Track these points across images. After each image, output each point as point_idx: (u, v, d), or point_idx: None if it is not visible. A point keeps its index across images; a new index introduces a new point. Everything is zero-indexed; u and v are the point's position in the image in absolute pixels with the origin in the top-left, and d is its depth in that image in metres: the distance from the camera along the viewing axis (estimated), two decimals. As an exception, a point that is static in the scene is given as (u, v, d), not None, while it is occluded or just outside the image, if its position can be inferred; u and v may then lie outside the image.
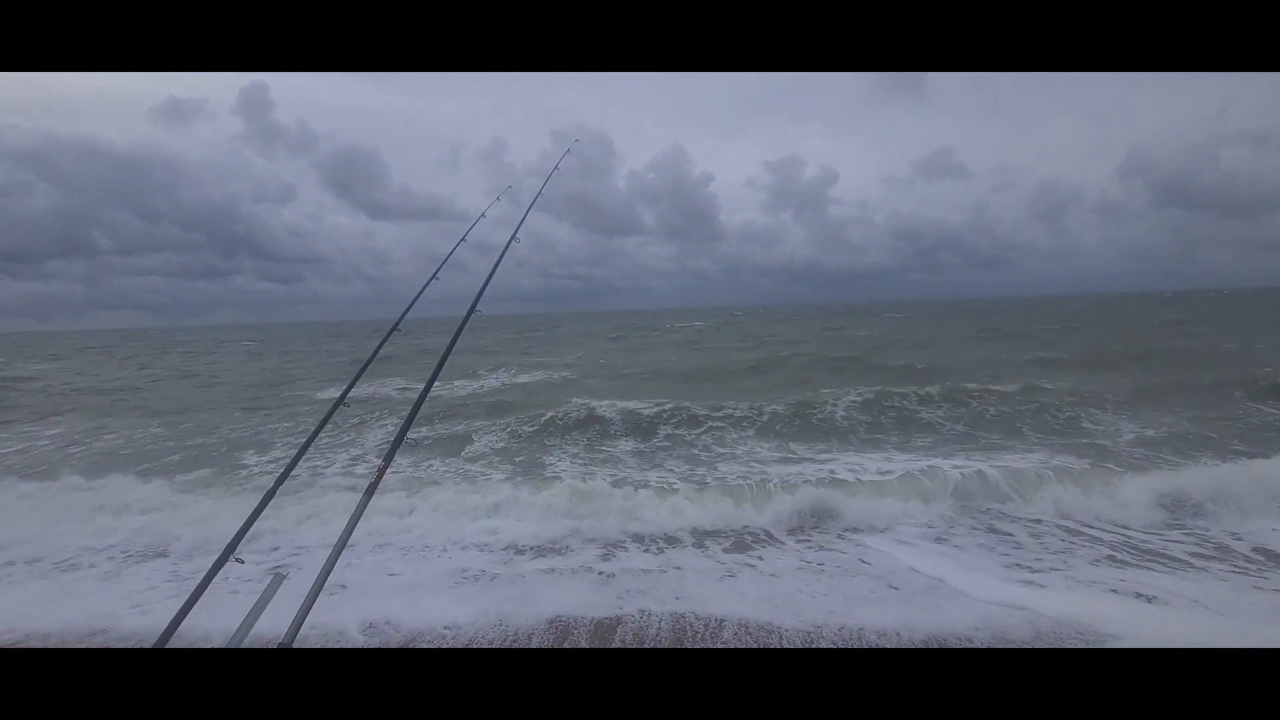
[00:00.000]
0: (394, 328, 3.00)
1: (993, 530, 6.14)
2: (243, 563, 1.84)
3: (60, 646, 4.39)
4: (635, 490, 7.30)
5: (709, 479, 7.99)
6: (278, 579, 1.70)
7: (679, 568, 5.47)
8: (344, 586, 5.15)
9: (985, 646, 3.86)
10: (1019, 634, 4.00)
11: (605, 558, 5.75)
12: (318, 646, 4.26)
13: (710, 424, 11.18)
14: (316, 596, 1.63)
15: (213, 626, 4.34)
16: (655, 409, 11.91)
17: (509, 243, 3.20)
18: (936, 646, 3.90)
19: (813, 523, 6.39)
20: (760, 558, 5.63)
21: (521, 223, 3.38)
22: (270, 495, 2.13)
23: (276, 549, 6.20)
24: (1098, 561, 5.28)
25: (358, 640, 4.41)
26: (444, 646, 4.29)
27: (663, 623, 4.47)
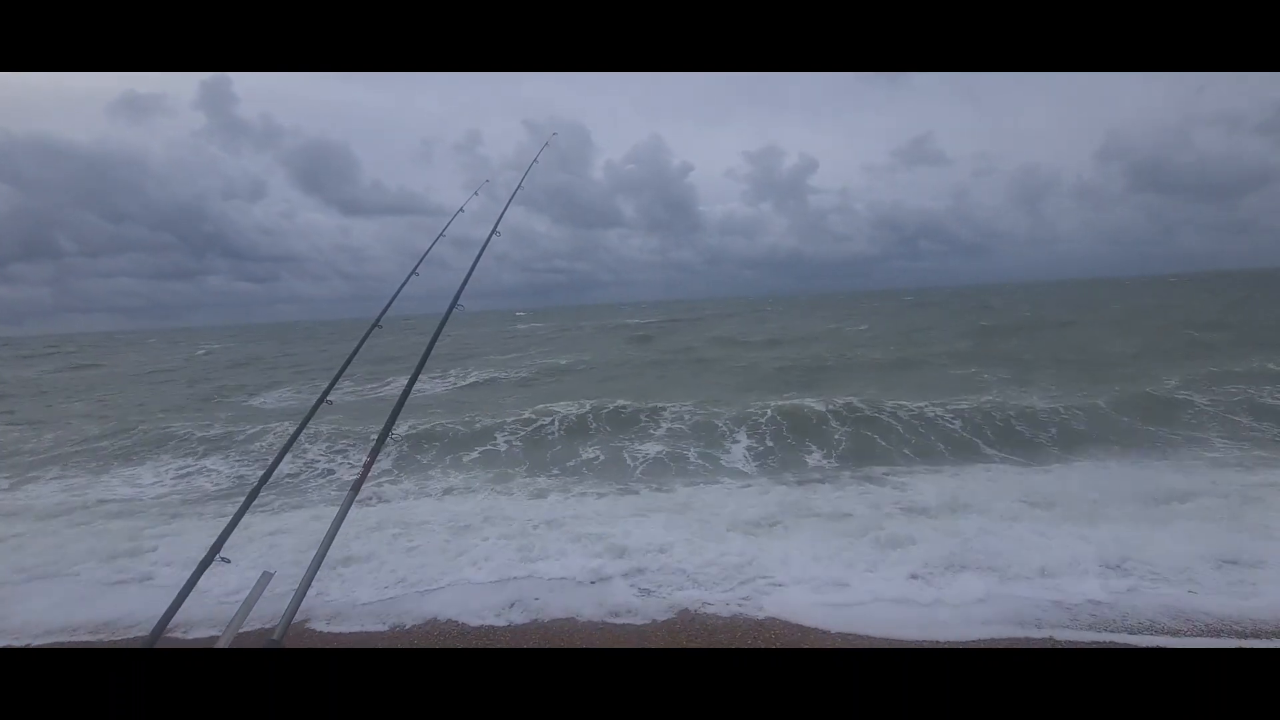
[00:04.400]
0: (374, 324, 2.99)
1: None
2: (229, 562, 1.84)
3: (50, 645, 4.36)
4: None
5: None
6: (265, 577, 1.72)
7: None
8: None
9: (951, 647, 3.91)
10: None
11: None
12: (308, 646, 4.26)
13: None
14: (305, 594, 1.66)
15: (203, 624, 4.38)
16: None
17: (489, 237, 3.20)
18: (909, 647, 3.96)
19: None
20: None
21: (501, 217, 3.38)
22: (254, 494, 2.13)
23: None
24: None
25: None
26: (436, 647, 4.31)
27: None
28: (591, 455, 9.19)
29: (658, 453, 9.09)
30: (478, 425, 10.60)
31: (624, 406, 11.15)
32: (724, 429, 9.82)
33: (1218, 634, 3.69)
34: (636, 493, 7.44)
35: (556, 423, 10.58)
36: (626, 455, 9.05)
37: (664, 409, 10.89)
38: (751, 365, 16.93)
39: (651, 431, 10.07)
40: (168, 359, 34.89)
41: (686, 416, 10.49)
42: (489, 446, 9.77)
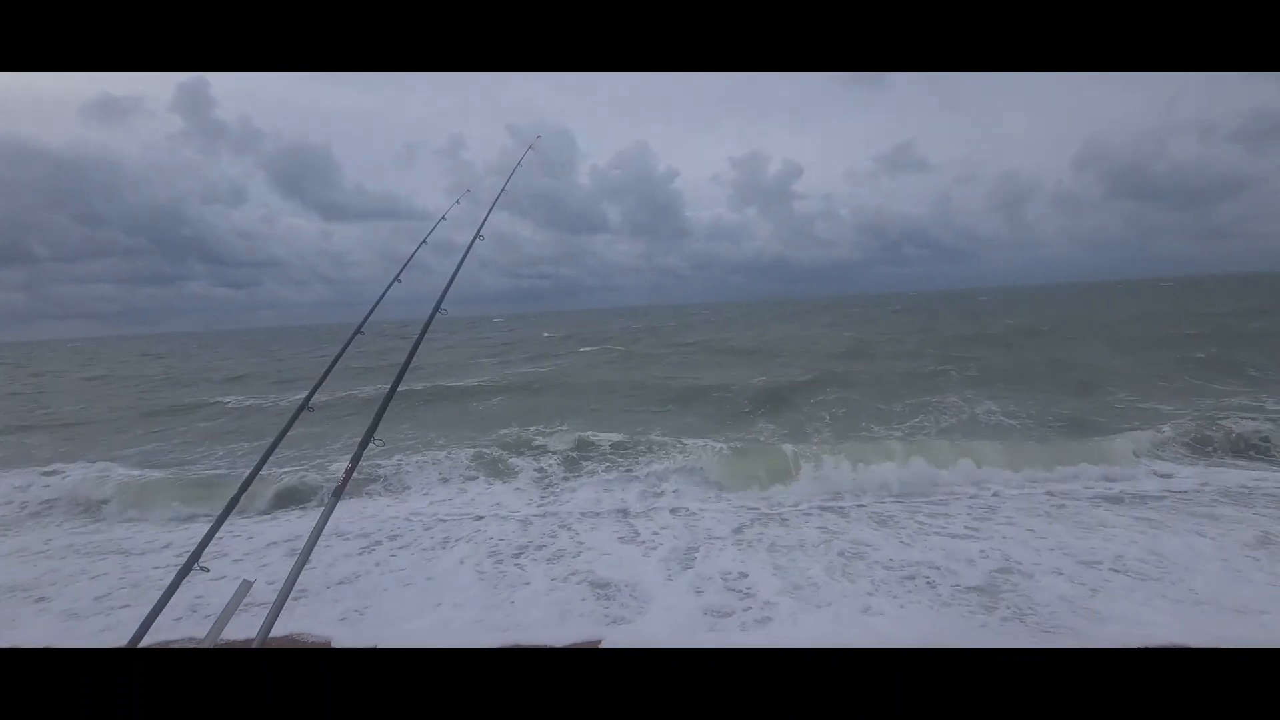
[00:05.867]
0: (357, 330, 2.97)
1: None
2: (207, 570, 1.81)
3: (30, 646, 4.26)
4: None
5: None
6: (245, 586, 1.70)
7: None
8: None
9: (946, 647, 3.91)
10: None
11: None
12: (288, 647, 4.19)
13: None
14: (286, 598, 1.64)
15: (182, 632, 4.30)
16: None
17: (473, 240, 3.19)
18: (901, 647, 3.95)
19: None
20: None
21: (485, 220, 3.38)
22: (234, 502, 2.10)
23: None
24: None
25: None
26: (421, 647, 4.26)
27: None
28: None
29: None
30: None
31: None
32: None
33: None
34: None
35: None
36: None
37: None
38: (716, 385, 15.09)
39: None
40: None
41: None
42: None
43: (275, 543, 6.46)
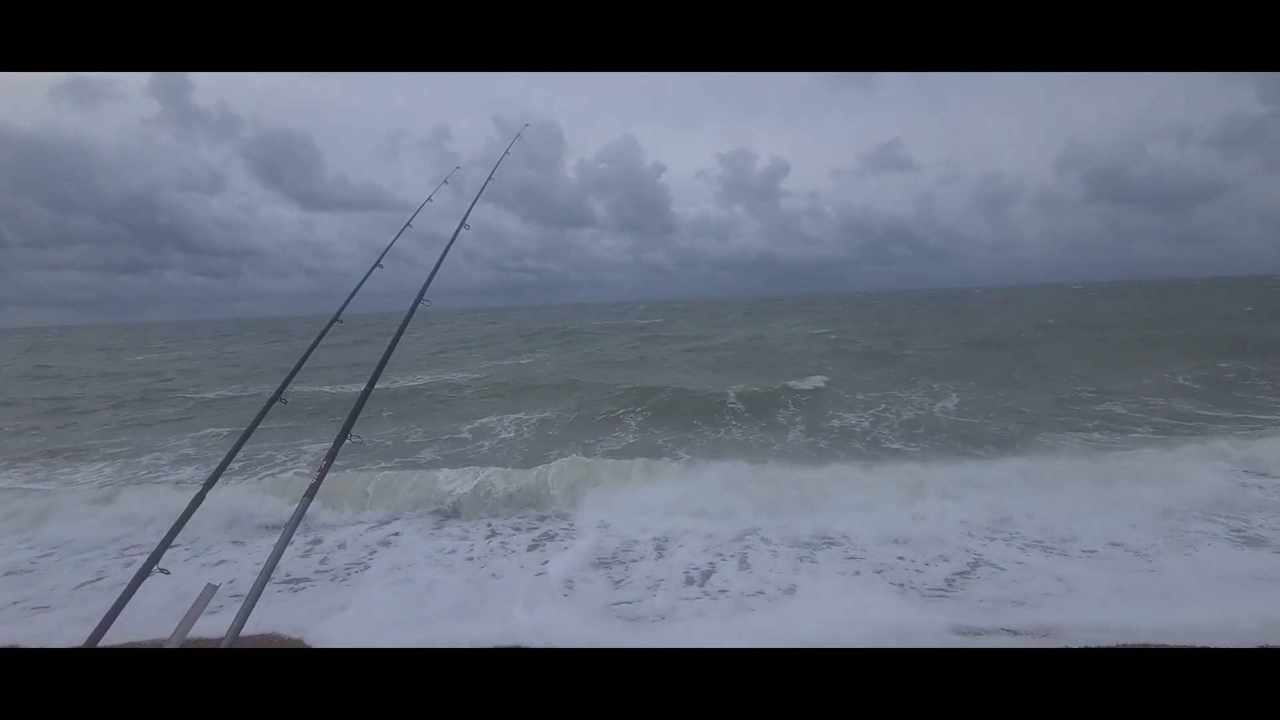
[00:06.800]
0: (334, 318, 2.86)
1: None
2: (168, 574, 1.72)
3: None
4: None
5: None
6: (210, 590, 1.63)
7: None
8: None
9: (946, 647, 3.89)
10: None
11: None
12: (260, 647, 4.08)
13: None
14: (257, 599, 1.59)
15: (145, 636, 4.16)
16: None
17: (458, 229, 3.10)
18: (900, 647, 3.93)
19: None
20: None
21: (470, 209, 3.28)
22: (199, 500, 2.00)
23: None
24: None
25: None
26: (405, 647, 4.17)
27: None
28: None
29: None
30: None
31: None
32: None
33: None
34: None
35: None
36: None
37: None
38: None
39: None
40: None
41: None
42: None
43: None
